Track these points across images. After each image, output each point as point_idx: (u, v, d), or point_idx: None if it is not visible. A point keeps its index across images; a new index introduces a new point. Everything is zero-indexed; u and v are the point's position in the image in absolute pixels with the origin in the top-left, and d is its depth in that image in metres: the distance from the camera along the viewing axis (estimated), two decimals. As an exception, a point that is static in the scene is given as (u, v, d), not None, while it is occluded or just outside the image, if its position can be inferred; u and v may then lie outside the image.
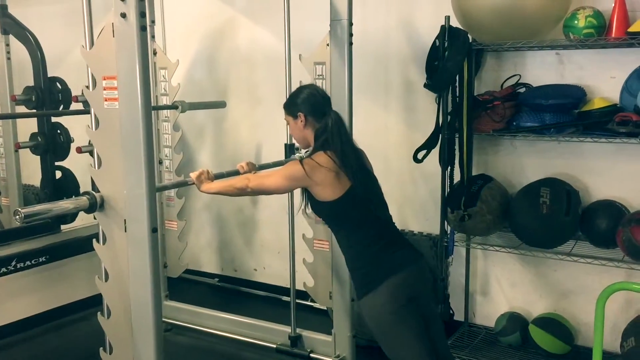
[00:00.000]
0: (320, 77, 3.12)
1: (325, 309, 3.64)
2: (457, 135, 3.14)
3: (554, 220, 2.94)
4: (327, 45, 3.02)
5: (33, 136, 3.93)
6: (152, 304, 2.07)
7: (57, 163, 3.99)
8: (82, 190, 4.05)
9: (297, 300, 3.60)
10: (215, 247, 4.65)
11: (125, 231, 2.10)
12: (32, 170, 4.34)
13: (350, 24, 2.94)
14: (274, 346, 3.43)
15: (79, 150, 3.84)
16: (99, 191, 2.17)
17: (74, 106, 3.89)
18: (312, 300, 3.70)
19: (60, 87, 3.94)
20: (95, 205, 2.14)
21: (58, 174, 4.02)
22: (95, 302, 3.80)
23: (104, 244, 2.22)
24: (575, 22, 2.85)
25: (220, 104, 4.06)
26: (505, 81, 3.26)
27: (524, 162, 3.32)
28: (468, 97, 3.07)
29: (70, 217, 3.91)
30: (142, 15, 1.94)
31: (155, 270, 2.05)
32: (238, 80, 4.31)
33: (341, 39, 2.95)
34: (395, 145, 3.73)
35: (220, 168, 3.06)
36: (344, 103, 2.99)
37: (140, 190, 2.01)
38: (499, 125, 3.08)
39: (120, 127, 2.04)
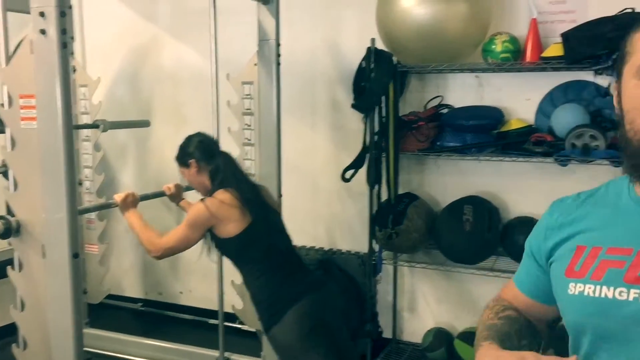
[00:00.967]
0: (248, 96, 3.11)
1: (255, 331, 3.59)
2: (384, 155, 3.20)
3: (477, 237, 3.04)
4: (255, 64, 3.01)
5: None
6: (73, 334, 1.96)
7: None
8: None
9: (226, 323, 3.53)
10: (138, 271, 4.49)
11: (44, 257, 1.99)
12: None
13: (278, 44, 2.95)
14: (202, 371, 3.34)
15: (-8, 171, 3.65)
16: (14, 215, 2.05)
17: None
18: (241, 323, 3.64)
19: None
20: (10, 231, 2.02)
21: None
22: (7, 332, 3.61)
23: (19, 271, 2.09)
24: (493, 46, 2.98)
25: (144, 123, 3.95)
26: (428, 102, 3.36)
27: (448, 180, 3.42)
28: (394, 117, 3.14)
29: (-19, 242, 3.67)
30: (63, 32, 1.86)
31: (76, 298, 1.95)
32: (163, 99, 4.21)
33: (269, 59, 2.95)
34: (324, 165, 3.76)
35: (144, 189, 2.98)
36: (273, 123, 2.99)
37: (60, 213, 1.92)
38: (423, 145, 3.16)
39: (39, 148, 1.93)
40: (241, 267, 2.38)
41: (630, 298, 0.93)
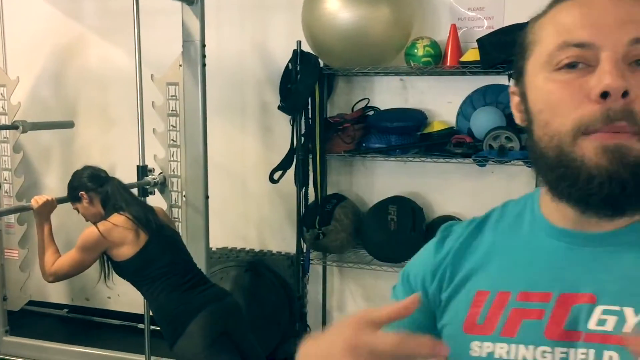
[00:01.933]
0: (173, 97, 3.08)
1: (183, 334, 3.55)
2: (311, 156, 3.23)
3: (401, 236, 3.11)
4: (180, 65, 2.99)
5: None
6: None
7: None
8: None
9: (154, 327, 3.47)
10: (64, 276, 4.36)
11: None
12: None
13: (203, 46, 2.93)
14: (128, 377, 3.28)
15: None
16: None
17: None
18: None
19: None
20: None
21: None
22: None
23: None
24: (415, 50, 3.06)
25: (68, 124, 3.84)
26: (355, 104, 3.42)
27: (375, 181, 3.49)
28: (320, 119, 3.18)
29: None
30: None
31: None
32: (89, 100, 4.11)
33: (194, 60, 2.94)
34: (253, 167, 3.76)
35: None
36: (198, 124, 2.97)
37: (-34, 217, 1.85)
38: (349, 147, 3.21)
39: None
40: (140, 288, 2.41)
41: (557, 359, 0.70)
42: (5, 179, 3.53)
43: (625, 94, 0.65)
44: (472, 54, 2.96)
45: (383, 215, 3.16)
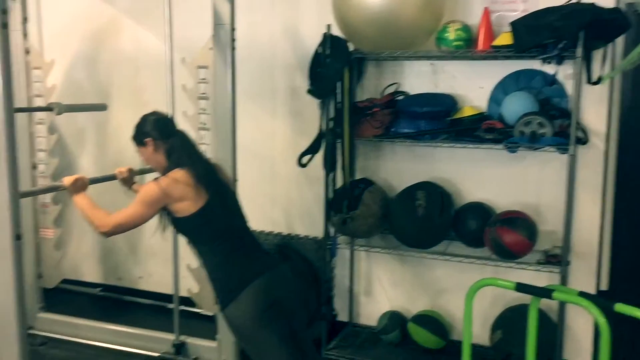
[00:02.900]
0: (204, 80, 3.11)
1: (211, 314, 3.61)
2: (340, 141, 3.23)
3: (429, 221, 3.10)
4: (211, 49, 3.00)
5: None
6: (16, 317, 1.96)
7: None
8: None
9: (185, 307, 3.54)
10: (97, 256, 4.46)
11: (-14, 239, 1.98)
12: None
13: (233, 29, 2.94)
14: (157, 355, 3.35)
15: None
16: (-44, 197, 2.03)
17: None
18: (199, 307, 3.66)
19: None
20: (-48, 213, 2.00)
21: None
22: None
23: (-38, 253, 2.07)
24: (446, 34, 3.02)
25: (100, 107, 3.90)
26: (385, 89, 3.40)
27: (404, 166, 3.47)
28: (349, 103, 3.16)
29: None
30: (3, 11, 1.84)
31: (18, 280, 1.95)
32: (121, 83, 4.17)
33: (224, 43, 2.94)
34: (282, 150, 3.78)
35: (102, 173, 2.96)
36: (227, 107, 2.99)
37: (2, 195, 1.91)
38: (378, 131, 3.20)
39: (-20, 129, 1.92)
40: (197, 246, 2.38)
41: None
42: (41, 160, 3.61)
43: None
44: (504, 38, 2.91)
45: (411, 200, 3.14)
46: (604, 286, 3.18)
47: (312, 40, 3.47)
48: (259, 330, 2.23)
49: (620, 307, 1.96)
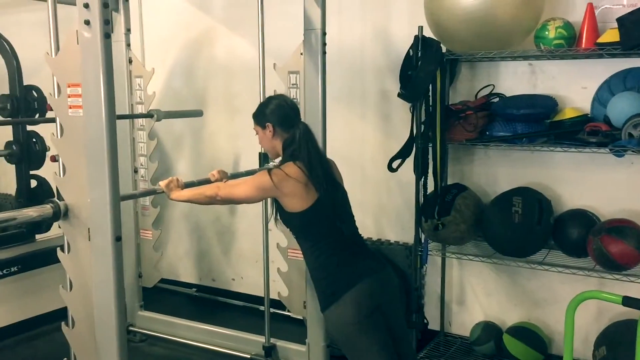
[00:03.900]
0: (294, 86, 3.12)
1: (302, 318, 3.62)
2: (431, 145, 3.15)
3: (526, 229, 2.95)
4: (301, 54, 3.02)
5: (8, 144, 3.90)
6: (116, 314, 2.04)
7: (32, 172, 3.96)
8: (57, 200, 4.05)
9: (274, 310, 3.58)
10: (193, 257, 4.62)
11: (89, 240, 2.07)
12: (9, 179, 4.30)
13: (324, 34, 2.94)
14: (248, 356, 3.40)
15: (53, 158, 3.81)
16: (63, 199, 2.15)
17: (50, 114, 3.87)
18: (289, 310, 3.69)
19: (35, 95, 3.92)
20: (59, 214, 2.12)
21: (33, 183, 3.98)
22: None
23: (68, 253, 2.20)
24: (546, 33, 2.87)
25: (197, 113, 4.05)
26: (479, 91, 3.28)
27: (498, 171, 3.33)
28: (441, 106, 3.08)
29: (45, 226, 3.87)
30: (106, 22, 1.93)
31: (119, 279, 2.03)
32: (216, 90, 4.30)
33: (315, 48, 2.95)
34: (372, 155, 3.74)
35: (198, 177, 3.05)
36: (318, 112, 2.99)
37: (103, 198, 1.99)
38: (471, 135, 3.09)
39: (84, 135, 2.02)
40: (302, 243, 2.37)
41: None
42: (141, 164, 3.78)
43: None
44: (610, 35, 2.72)
45: (507, 207, 3.01)
46: None
47: (402, 43, 3.42)
48: (359, 336, 2.19)
49: None
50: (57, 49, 2.16)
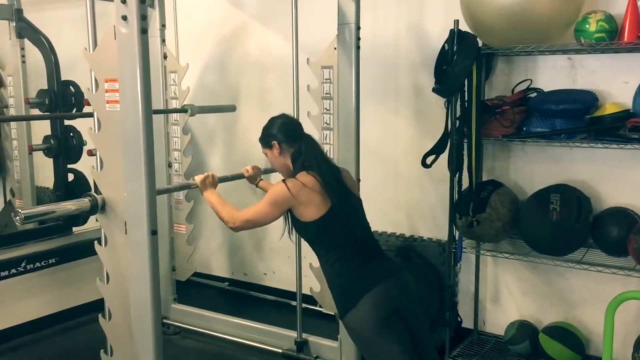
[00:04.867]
0: (328, 81, 3.11)
1: (333, 314, 3.61)
2: (466, 140, 3.10)
3: (564, 227, 2.88)
4: (335, 49, 3.01)
5: (46, 139, 3.98)
6: (152, 307, 2.07)
7: (69, 166, 4.03)
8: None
9: (306, 305, 3.58)
10: (225, 251, 4.65)
11: (126, 233, 2.10)
12: (48, 172, 4.40)
13: (358, 28, 2.92)
14: (280, 351, 3.41)
15: (90, 153, 3.86)
16: (100, 193, 2.18)
17: (87, 109, 3.93)
18: (321, 305, 3.68)
19: (73, 90, 3.99)
20: (96, 207, 2.15)
21: (70, 177, 4.05)
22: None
23: (105, 246, 2.23)
24: (587, 26, 2.80)
25: (230, 108, 4.07)
26: (516, 86, 3.22)
27: (535, 168, 3.27)
28: (477, 102, 3.02)
29: (82, 219, 3.94)
30: (143, 18, 1.94)
31: (154, 272, 2.05)
32: (249, 85, 4.31)
33: (349, 43, 2.93)
34: (405, 150, 3.71)
35: (230, 171, 3.07)
36: (351, 107, 2.98)
37: (140, 192, 2.02)
38: (508, 131, 3.03)
39: (121, 130, 2.04)
40: (318, 251, 2.38)
41: None
42: (175, 159, 3.82)
43: None
44: (654, 28, 2.64)
45: (544, 204, 2.94)
46: None
47: (437, 37, 3.38)
48: (379, 339, 2.18)
49: None
50: (95, 44, 2.18)
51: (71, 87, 4.00)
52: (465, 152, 3.11)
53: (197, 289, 4.48)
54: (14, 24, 4.08)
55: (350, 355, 3.16)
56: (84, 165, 4.02)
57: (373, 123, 3.64)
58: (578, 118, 2.96)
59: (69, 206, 2.21)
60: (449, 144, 3.17)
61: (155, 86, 3.58)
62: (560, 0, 2.79)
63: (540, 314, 3.34)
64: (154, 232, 2.04)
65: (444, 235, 3.50)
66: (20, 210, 1.95)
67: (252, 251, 4.51)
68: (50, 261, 3.64)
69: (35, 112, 4.06)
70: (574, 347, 3.08)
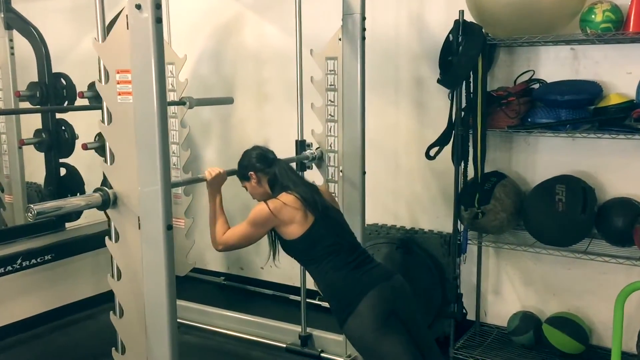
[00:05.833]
0: (332, 72, 3.07)
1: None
2: (471, 132, 3.09)
3: (570, 218, 2.90)
4: (339, 39, 2.97)
5: (37, 132, 3.88)
6: (167, 304, 2.03)
7: (61, 160, 3.94)
8: (86, 187, 4.03)
9: (309, 300, 3.55)
10: (221, 246, 4.59)
11: (139, 229, 2.05)
12: (34, 167, 4.29)
13: (363, 18, 2.89)
14: (284, 346, 3.38)
15: (85, 146, 3.78)
16: (111, 187, 2.12)
17: (79, 102, 3.85)
18: (321, 299, 3.66)
19: (64, 83, 3.88)
20: (108, 202, 2.09)
21: (62, 171, 3.96)
22: (101, 300, 3.78)
23: (116, 241, 2.17)
24: (593, 16, 2.80)
25: (228, 100, 4.01)
26: (518, 77, 3.22)
27: (537, 159, 3.27)
28: (482, 93, 3.01)
29: (75, 214, 3.86)
30: (157, 6, 1.89)
31: (170, 268, 2.01)
32: (245, 77, 4.25)
33: (354, 34, 2.90)
34: (405, 142, 3.69)
35: (226, 165, 3.01)
36: (356, 99, 2.95)
37: (155, 186, 1.96)
38: (513, 122, 3.03)
39: (134, 122, 1.98)
40: (307, 266, 2.43)
41: None
42: (173, 152, 3.75)
43: None
44: (661, 18, 2.65)
45: (550, 195, 2.95)
46: None
47: (438, 28, 3.36)
48: (381, 341, 2.19)
49: None
50: (104, 34, 2.11)
51: (62, 80, 3.89)
52: (470, 144, 3.10)
53: (192, 284, 4.42)
54: (2, 15, 3.95)
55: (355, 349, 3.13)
56: (77, 159, 3.94)
57: (372, 115, 3.58)
58: (582, 109, 2.97)
59: (80, 202, 2.15)
60: (453, 135, 3.15)
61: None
62: (567, -9, 2.79)
63: (542, 304, 3.36)
64: (169, 227, 1.99)
65: (445, 227, 3.51)
66: (32, 207, 1.89)
67: (251, 247, 4.44)
68: (46, 258, 3.56)
69: (26, 105, 3.95)
70: (578, 337, 3.10)
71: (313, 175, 3.10)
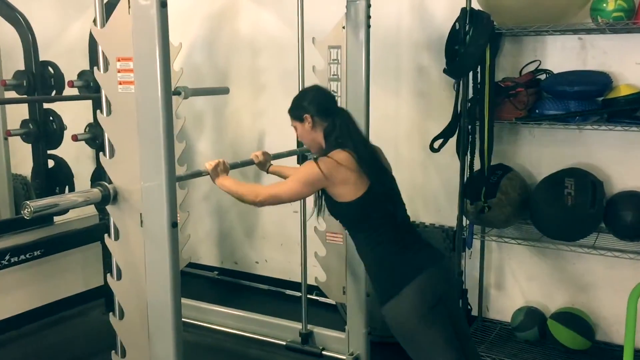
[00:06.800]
0: (335, 61, 2.97)
1: (335, 304, 3.51)
2: (478, 123, 3.01)
3: (580, 212, 2.84)
4: (343, 28, 2.87)
5: (24, 123, 3.72)
6: (172, 304, 1.92)
7: (49, 152, 3.79)
8: (75, 180, 3.89)
9: (309, 296, 3.46)
10: (214, 239, 4.48)
11: (142, 226, 1.93)
12: (20, 158, 4.14)
13: (369, 5, 2.79)
14: (284, 343, 3.29)
15: (75, 138, 3.66)
16: (111, 182, 2.00)
17: (67, 91, 3.70)
18: (318, 295, 3.58)
19: (52, 71, 3.73)
20: (108, 198, 1.97)
21: (50, 163, 3.82)
22: (91, 296, 3.66)
23: (116, 239, 2.06)
24: (604, 5, 2.73)
25: (224, 90, 3.89)
26: (524, 67, 3.14)
27: (543, 151, 3.21)
28: (490, 83, 2.93)
29: (64, 208, 3.72)
30: (162, -11, 1.77)
31: (175, 267, 1.91)
32: (240, 66, 4.13)
33: (358, 21, 2.80)
34: (406, 134, 3.60)
35: (220, 157, 2.90)
36: (361, 88, 2.85)
37: (159, 181, 1.85)
38: (521, 113, 2.96)
39: (136, 113, 1.87)
40: (355, 235, 2.23)
41: None
42: (168, 144, 3.62)
43: None
44: (675, 7, 2.59)
45: (559, 188, 2.89)
46: None
47: (442, 17, 3.28)
48: (424, 330, 2.05)
49: None
50: (103, 19, 1.99)
51: (50, 68, 3.74)
52: (477, 136, 3.02)
53: (185, 279, 4.24)
54: (-14, 1, 3.78)
55: (358, 346, 3.06)
56: (65, 151, 3.80)
57: (373, 105, 3.48)
58: (590, 100, 2.91)
59: (76, 198, 2.02)
60: (458, 127, 3.08)
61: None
62: (578, -21, 2.71)
63: (547, 299, 3.31)
64: (174, 225, 1.88)
65: (447, 221, 3.43)
66: (28, 203, 1.77)
67: (243, 239, 4.36)
68: (35, 253, 3.41)
69: (12, 94, 3.79)
70: (584, 333, 3.05)
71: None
